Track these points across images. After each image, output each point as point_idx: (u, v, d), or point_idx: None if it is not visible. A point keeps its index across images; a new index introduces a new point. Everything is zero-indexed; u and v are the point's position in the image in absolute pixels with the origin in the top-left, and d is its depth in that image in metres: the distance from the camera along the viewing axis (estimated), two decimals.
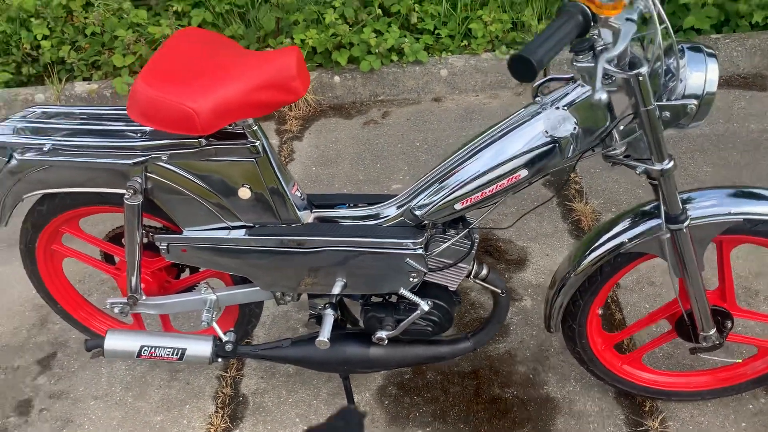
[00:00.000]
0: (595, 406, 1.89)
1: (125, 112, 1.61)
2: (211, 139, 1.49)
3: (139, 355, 1.66)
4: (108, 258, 1.89)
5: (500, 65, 3.25)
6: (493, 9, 3.31)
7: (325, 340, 1.60)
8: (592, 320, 1.71)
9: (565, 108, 1.35)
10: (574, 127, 1.36)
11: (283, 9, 3.31)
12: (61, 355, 2.18)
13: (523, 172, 1.39)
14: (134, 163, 1.49)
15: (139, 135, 1.53)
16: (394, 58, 3.27)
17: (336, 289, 1.61)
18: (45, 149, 1.51)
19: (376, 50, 3.20)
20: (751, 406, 1.86)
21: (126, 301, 1.75)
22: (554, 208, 2.56)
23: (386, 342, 1.66)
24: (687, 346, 1.74)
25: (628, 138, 1.39)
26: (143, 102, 1.37)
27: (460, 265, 1.59)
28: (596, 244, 1.58)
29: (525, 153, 1.37)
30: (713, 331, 1.64)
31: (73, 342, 2.20)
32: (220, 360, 1.70)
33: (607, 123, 1.37)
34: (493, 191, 1.42)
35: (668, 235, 1.47)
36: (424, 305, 1.57)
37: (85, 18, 3.36)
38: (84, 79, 3.36)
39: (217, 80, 1.38)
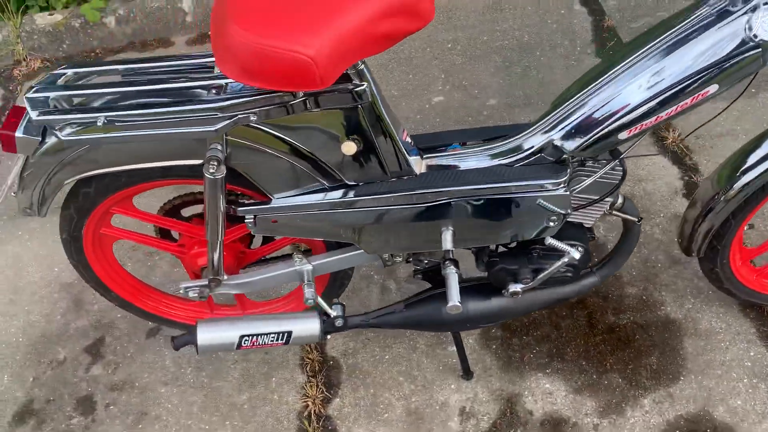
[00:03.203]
0: (722, 323, 1.76)
1: (178, 62, 1.29)
2: None
3: (239, 346, 1.42)
4: (165, 234, 1.60)
5: None
6: None
7: (458, 304, 1.38)
8: (737, 239, 1.54)
9: None
10: None
11: None
12: (110, 339, 1.92)
13: (713, 88, 1.14)
14: (218, 129, 1.18)
15: (213, 91, 1.21)
16: None
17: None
18: (99, 124, 1.18)
19: None
20: None
21: (206, 283, 1.49)
22: None
23: (520, 295, 1.46)
24: None
25: None
26: (245, 54, 1.04)
27: (605, 199, 1.37)
28: (747, 165, 1.39)
29: (719, 63, 1.12)
30: None
31: (120, 322, 1.94)
32: (329, 337, 1.49)
33: None
34: (671, 114, 1.18)
35: None
36: (575, 253, 1.36)
37: None
38: (41, 9, 2.87)
39: (328, 13, 1.06)
